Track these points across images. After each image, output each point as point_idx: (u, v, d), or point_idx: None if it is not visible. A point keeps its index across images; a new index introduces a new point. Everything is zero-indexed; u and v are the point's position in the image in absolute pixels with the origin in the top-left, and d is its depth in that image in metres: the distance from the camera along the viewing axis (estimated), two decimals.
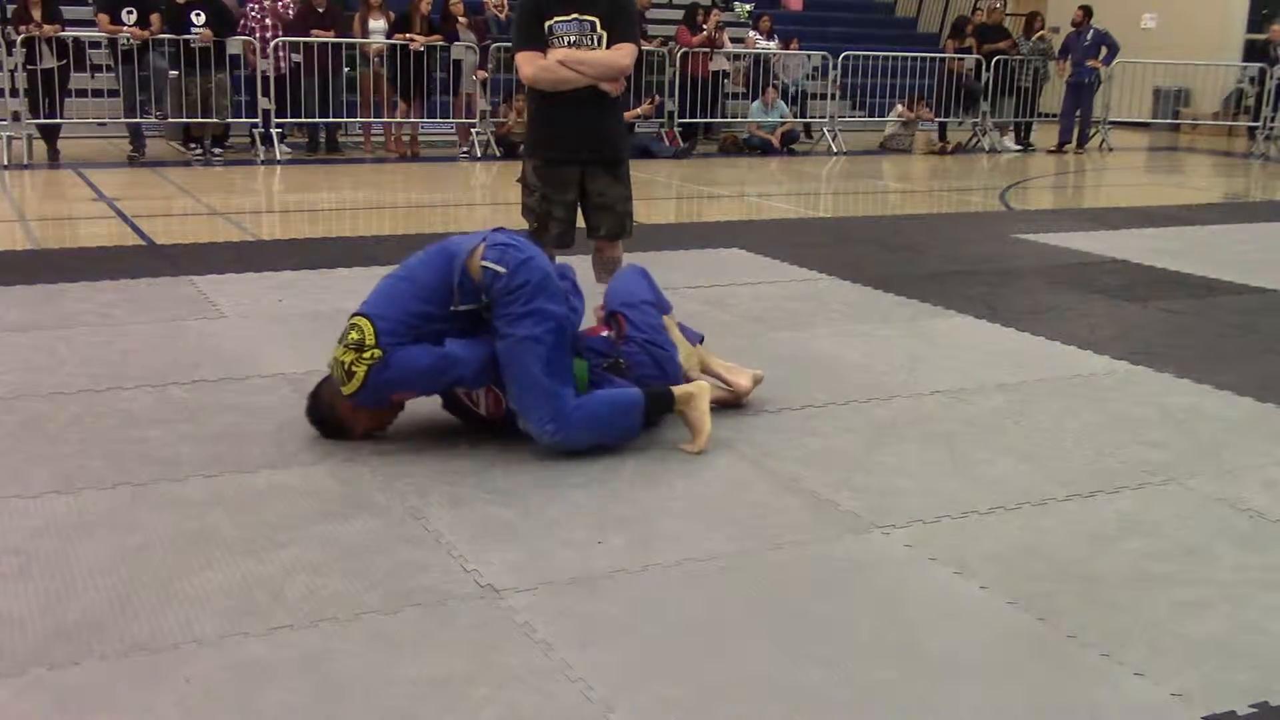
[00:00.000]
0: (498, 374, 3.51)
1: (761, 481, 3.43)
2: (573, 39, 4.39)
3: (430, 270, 3.54)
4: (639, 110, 12.97)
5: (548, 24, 4.39)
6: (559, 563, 2.86)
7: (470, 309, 3.49)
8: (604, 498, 3.27)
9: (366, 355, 3.41)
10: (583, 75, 4.38)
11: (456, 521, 3.08)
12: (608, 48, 4.42)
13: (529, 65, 4.41)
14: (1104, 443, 3.83)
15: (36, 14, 10.34)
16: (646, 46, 13.20)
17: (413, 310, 3.47)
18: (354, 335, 3.45)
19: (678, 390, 3.67)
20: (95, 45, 11.04)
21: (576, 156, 4.53)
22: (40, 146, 10.63)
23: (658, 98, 13.15)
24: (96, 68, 11.25)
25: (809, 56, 14.61)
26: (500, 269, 3.42)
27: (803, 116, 14.45)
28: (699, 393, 3.67)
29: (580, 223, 4.74)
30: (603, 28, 4.39)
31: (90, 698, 2.25)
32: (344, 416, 3.62)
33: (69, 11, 11.39)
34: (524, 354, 3.41)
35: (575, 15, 4.37)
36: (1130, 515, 3.26)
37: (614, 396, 3.59)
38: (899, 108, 14.35)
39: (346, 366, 3.44)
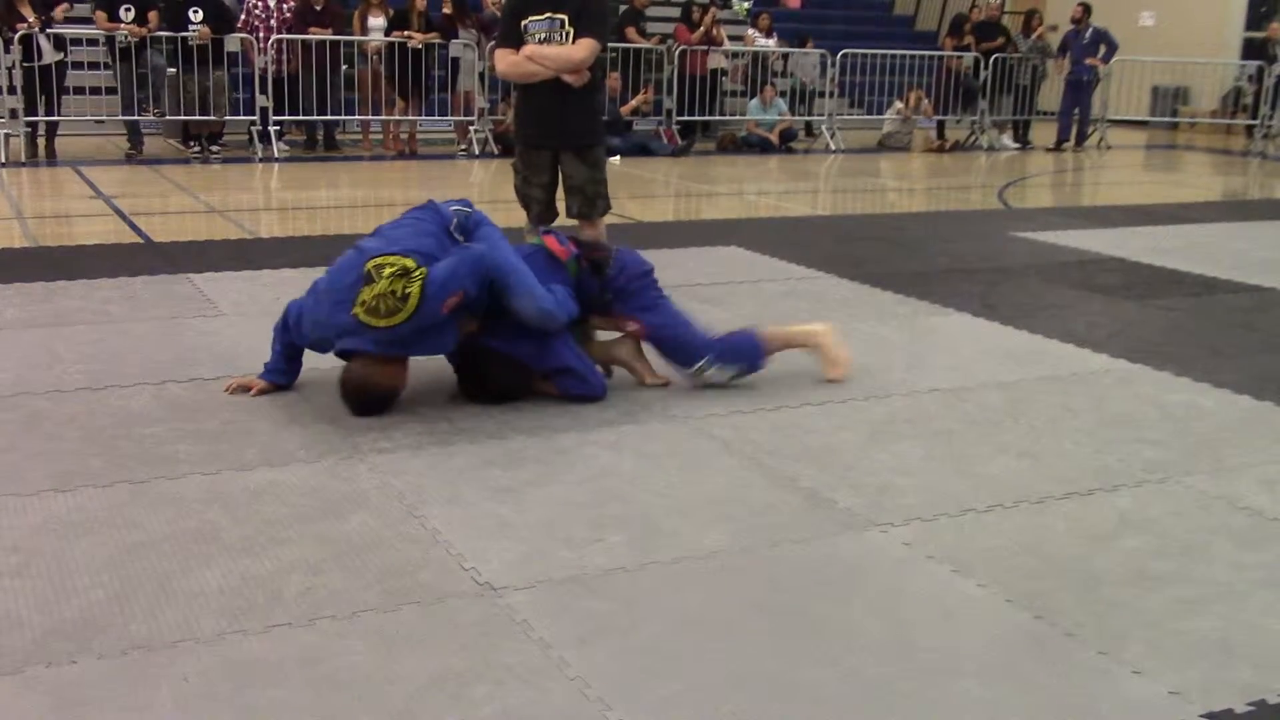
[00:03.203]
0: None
1: (760, 479, 3.43)
2: (542, 36, 4.85)
3: (427, 216, 3.99)
4: (634, 102, 12.96)
5: (523, 23, 4.87)
6: (557, 561, 2.86)
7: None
8: (602, 496, 3.27)
9: (416, 275, 3.64)
10: (545, 69, 4.85)
11: (454, 519, 3.08)
12: (574, 43, 4.84)
13: (501, 61, 4.99)
14: (1102, 441, 3.83)
15: (25, 10, 10.29)
16: (645, 44, 13.20)
17: (425, 244, 3.82)
18: (390, 269, 3.64)
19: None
20: (93, 42, 11.02)
21: (547, 142, 5.03)
22: (38, 143, 10.62)
23: (650, 89, 13.14)
24: (94, 65, 11.22)
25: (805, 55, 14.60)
26: (467, 209, 4.03)
27: (801, 114, 14.44)
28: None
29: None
30: (570, 24, 4.82)
31: (88, 696, 2.24)
32: (377, 380, 3.78)
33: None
34: (501, 253, 3.86)
35: (548, 14, 4.84)
36: (1128, 513, 3.26)
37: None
38: (897, 104, 14.35)
39: (399, 294, 3.61)
